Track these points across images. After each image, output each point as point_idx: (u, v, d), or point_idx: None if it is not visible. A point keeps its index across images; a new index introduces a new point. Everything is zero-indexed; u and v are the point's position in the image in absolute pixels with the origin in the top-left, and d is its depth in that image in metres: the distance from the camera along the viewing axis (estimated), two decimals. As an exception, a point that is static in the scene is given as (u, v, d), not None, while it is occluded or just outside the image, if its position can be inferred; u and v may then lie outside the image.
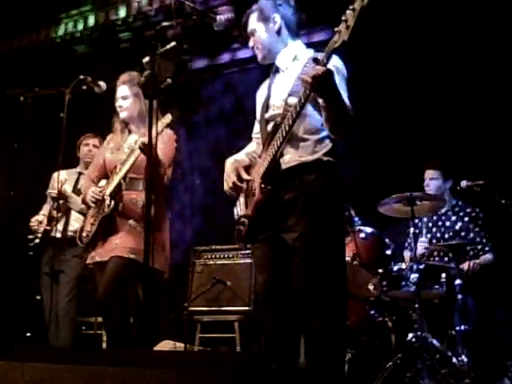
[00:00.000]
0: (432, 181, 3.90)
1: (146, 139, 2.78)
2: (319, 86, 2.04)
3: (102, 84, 3.27)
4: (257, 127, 2.54)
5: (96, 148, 4.04)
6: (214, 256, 4.46)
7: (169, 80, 2.38)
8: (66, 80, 3.34)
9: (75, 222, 3.85)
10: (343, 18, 1.97)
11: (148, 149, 2.76)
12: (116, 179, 2.98)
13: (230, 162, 2.44)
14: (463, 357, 3.12)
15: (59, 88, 3.26)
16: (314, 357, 2.16)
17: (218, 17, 2.40)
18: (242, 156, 2.50)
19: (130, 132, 3.14)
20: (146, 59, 2.28)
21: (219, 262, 4.42)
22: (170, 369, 1.59)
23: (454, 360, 3.09)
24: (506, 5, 4.12)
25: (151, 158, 2.75)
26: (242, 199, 2.38)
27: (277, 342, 2.24)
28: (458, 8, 4.30)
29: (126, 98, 3.09)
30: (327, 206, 2.21)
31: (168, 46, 2.32)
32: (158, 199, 2.65)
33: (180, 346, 3.91)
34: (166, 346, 3.90)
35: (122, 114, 3.11)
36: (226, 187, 2.41)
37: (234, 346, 4.08)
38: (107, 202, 2.96)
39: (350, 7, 1.96)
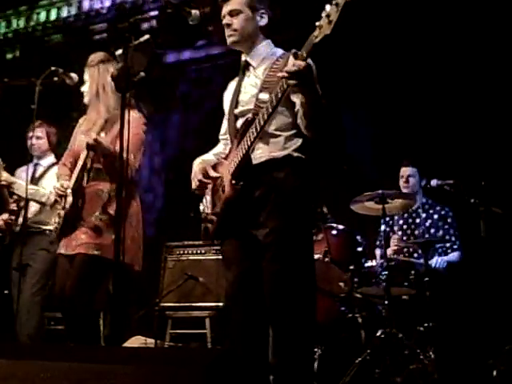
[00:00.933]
0: (410, 178, 3.95)
1: (89, 138, 2.75)
2: (300, 81, 2.03)
3: (74, 76, 3.21)
4: (223, 128, 2.52)
5: (40, 140, 3.96)
6: (186, 252, 4.43)
7: (142, 73, 2.34)
8: (38, 71, 3.28)
9: (37, 213, 3.77)
10: (324, 13, 1.95)
11: (92, 147, 2.73)
12: (76, 172, 2.91)
13: (196, 162, 2.43)
14: (431, 353, 3.17)
15: (30, 79, 3.19)
16: (283, 353, 2.16)
17: (193, 11, 2.37)
18: (209, 156, 2.49)
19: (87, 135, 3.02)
20: (119, 52, 2.25)
21: (191, 258, 4.40)
22: (140, 365, 1.58)
23: (422, 356, 3.14)
24: (479, 5, 4.19)
25: (107, 154, 2.69)
26: (208, 197, 2.36)
27: (245, 339, 2.24)
28: (432, 9, 4.35)
29: (86, 81, 3.02)
30: (298, 202, 2.22)
31: (142, 39, 2.29)
32: (126, 191, 2.55)
33: (151, 341, 3.88)
34: (136, 341, 3.87)
35: (85, 100, 3.04)
36: (193, 186, 2.40)
37: (205, 342, 4.08)
38: (69, 198, 2.89)
39: (333, 2, 1.95)
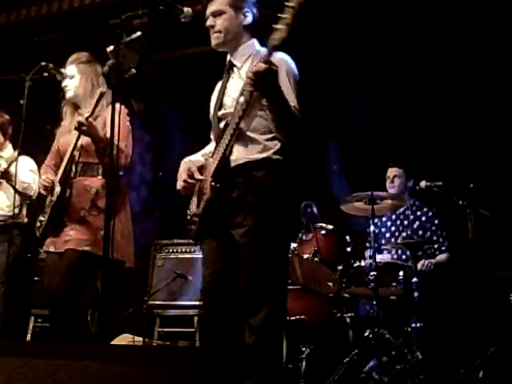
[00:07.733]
0: (396, 178, 3.98)
1: (81, 118, 2.74)
2: (260, 82, 2.05)
3: (64, 71, 3.19)
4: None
5: None
6: (175, 250, 4.43)
7: (133, 70, 2.33)
8: (27, 67, 3.25)
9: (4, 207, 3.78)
10: (282, 15, 1.94)
11: (84, 129, 2.71)
12: (63, 164, 2.90)
13: (183, 162, 2.43)
14: (418, 353, 3.19)
15: (19, 74, 3.16)
16: (254, 350, 2.16)
17: (185, 8, 2.37)
18: (197, 157, 2.49)
19: (79, 114, 3.03)
20: (111, 48, 2.24)
21: (180, 256, 4.39)
22: (128, 363, 1.57)
23: (409, 356, 3.15)
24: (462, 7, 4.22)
25: (102, 143, 2.68)
26: (194, 199, 2.37)
27: (219, 336, 2.25)
28: (421, 12, 4.38)
29: (72, 77, 3.03)
30: (275, 202, 2.22)
31: (133, 36, 2.28)
32: (115, 185, 2.54)
33: (138, 340, 3.87)
34: (124, 339, 3.85)
35: (68, 94, 3.04)
36: (178, 186, 2.39)
37: (194, 341, 4.07)
38: (56, 189, 2.88)
39: (289, 4, 1.94)
